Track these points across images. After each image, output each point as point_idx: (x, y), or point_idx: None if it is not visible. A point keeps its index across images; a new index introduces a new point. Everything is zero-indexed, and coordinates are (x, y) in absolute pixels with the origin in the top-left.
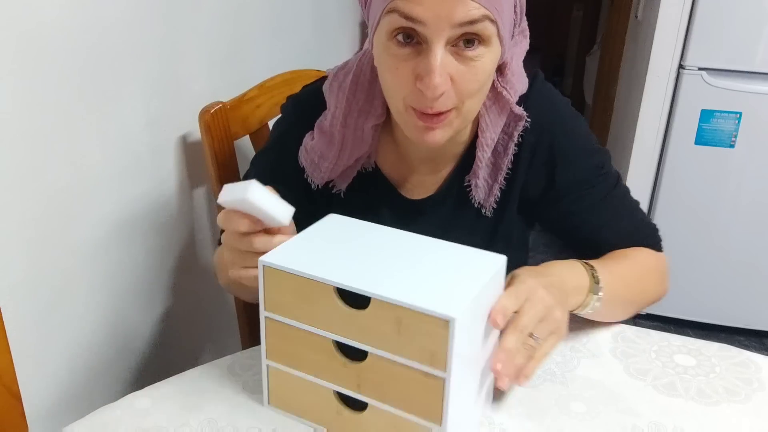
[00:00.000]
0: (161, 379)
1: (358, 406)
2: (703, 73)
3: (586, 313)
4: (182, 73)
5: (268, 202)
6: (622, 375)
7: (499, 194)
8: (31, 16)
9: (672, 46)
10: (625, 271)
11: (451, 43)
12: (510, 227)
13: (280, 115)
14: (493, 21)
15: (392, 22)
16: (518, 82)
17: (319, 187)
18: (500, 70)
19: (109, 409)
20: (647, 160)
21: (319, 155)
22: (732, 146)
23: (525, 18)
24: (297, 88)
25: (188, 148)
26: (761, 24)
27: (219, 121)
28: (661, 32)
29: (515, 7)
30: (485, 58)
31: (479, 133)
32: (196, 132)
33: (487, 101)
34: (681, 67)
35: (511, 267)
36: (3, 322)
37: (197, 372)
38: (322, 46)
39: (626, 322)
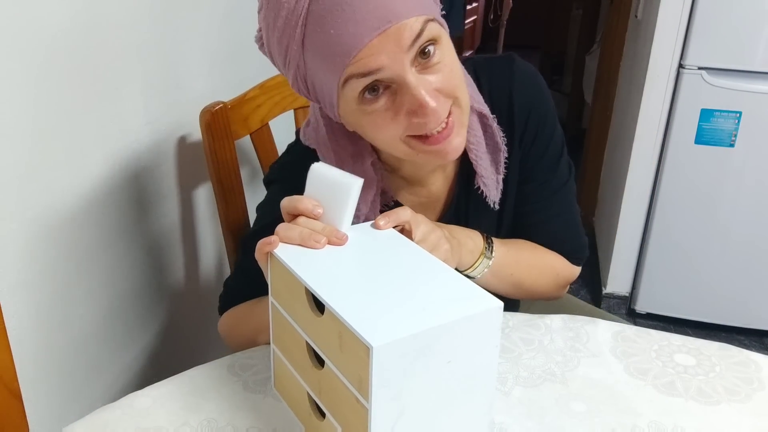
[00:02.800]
0: (161, 379)
1: (322, 412)
2: (703, 72)
3: (475, 276)
4: (182, 73)
5: (335, 171)
6: (622, 374)
7: (502, 185)
8: (32, 16)
9: (672, 46)
10: (524, 257)
11: (413, 64)
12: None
13: (267, 194)
14: (432, 19)
15: (354, 88)
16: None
17: None
18: None
19: (109, 409)
20: (647, 159)
21: None
22: (732, 146)
23: None
24: None
25: (188, 148)
26: (761, 24)
27: (219, 121)
28: (661, 32)
29: None
30: (445, 53)
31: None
32: (196, 132)
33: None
34: (681, 66)
35: None
36: (3, 321)
37: (197, 372)
38: None
39: (627, 320)
